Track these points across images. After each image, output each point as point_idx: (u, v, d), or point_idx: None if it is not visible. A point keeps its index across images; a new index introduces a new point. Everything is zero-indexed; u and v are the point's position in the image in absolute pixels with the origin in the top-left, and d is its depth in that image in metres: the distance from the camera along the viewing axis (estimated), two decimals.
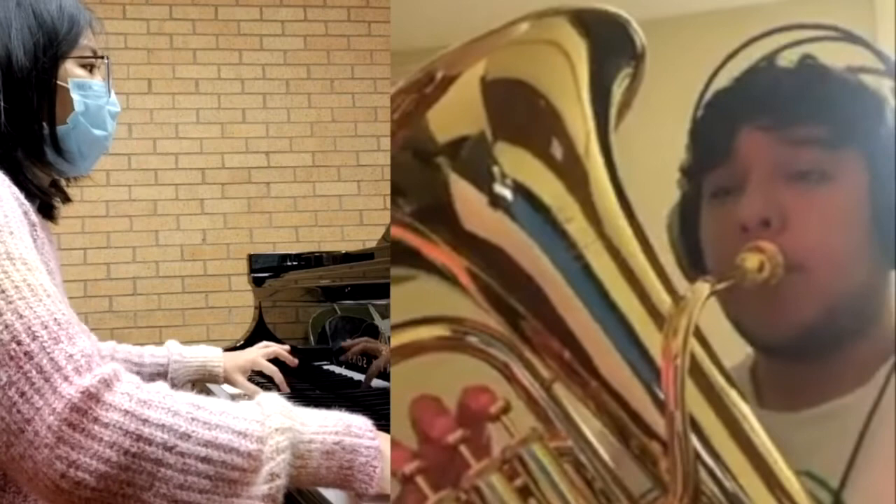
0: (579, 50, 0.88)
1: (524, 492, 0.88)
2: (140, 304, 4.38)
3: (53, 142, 1.27)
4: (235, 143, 4.60)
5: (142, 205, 4.45)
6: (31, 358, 0.92)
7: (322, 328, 2.55)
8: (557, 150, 0.87)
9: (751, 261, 0.91)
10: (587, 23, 0.89)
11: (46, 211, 1.35)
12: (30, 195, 1.20)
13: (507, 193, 0.86)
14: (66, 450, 0.89)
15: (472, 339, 0.92)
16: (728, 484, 0.84)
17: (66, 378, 0.91)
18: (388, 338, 1.91)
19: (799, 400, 0.98)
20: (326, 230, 4.67)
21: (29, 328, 0.94)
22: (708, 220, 1.01)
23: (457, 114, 0.86)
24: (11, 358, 0.92)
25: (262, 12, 4.69)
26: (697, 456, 0.84)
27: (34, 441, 0.90)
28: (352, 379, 2.16)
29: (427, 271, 0.91)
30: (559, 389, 0.91)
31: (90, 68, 1.32)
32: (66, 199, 1.40)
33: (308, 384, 2.20)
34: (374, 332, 2.08)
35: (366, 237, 4.52)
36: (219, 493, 0.92)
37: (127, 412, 0.91)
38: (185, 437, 0.92)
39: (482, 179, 0.86)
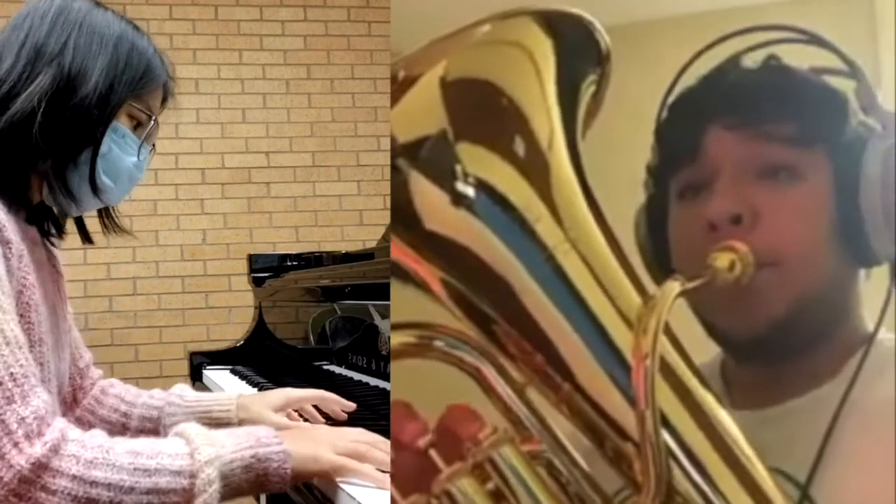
0: (544, 50, 0.88)
1: (496, 495, 0.87)
2: (140, 304, 4.38)
3: (91, 171, 1.23)
4: (235, 143, 4.60)
5: (142, 205, 4.45)
6: None
7: (322, 328, 2.55)
8: (521, 149, 0.86)
9: (721, 260, 0.91)
10: (552, 23, 0.89)
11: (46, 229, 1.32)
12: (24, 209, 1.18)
13: (470, 191, 0.86)
14: None
15: (440, 344, 0.92)
16: (702, 482, 0.84)
17: (15, 444, 0.93)
18: (388, 338, 1.92)
19: (768, 397, 0.98)
20: (326, 230, 4.67)
21: None
22: (676, 220, 1.01)
23: (417, 114, 0.86)
24: None
25: (262, 12, 4.69)
26: (671, 454, 0.83)
27: None
28: (352, 379, 2.16)
29: (400, 278, 0.91)
30: (532, 393, 0.91)
31: (136, 124, 1.29)
32: (59, 233, 1.35)
33: (308, 384, 2.20)
34: (375, 332, 2.08)
35: (366, 237, 4.52)
36: None
37: (74, 477, 0.94)
38: (129, 490, 0.97)
39: (443, 178, 0.85)
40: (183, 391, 1.55)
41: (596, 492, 0.89)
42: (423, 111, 0.86)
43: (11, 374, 0.96)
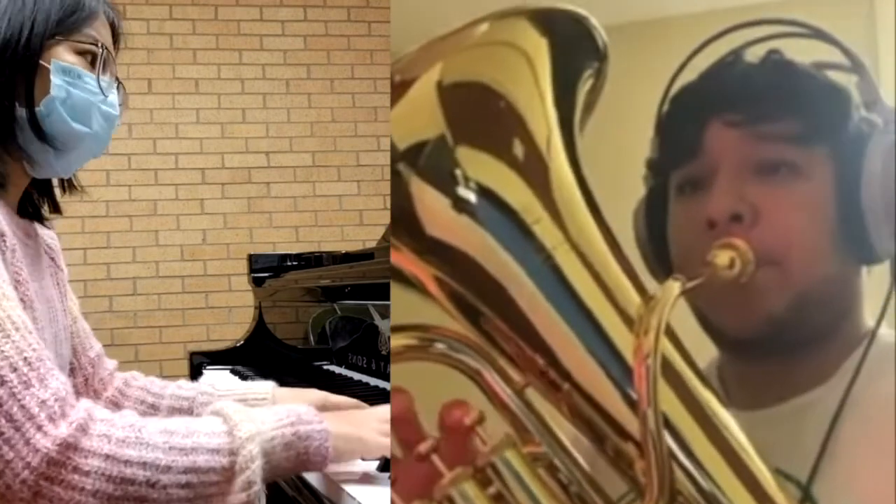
0: (539, 49, 0.87)
1: (498, 499, 0.87)
2: (140, 304, 4.39)
3: (32, 124, 1.15)
4: (235, 143, 4.60)
5: (142, 205, 4.45)
6: (0, 406, 0.91)
7: (322, 328, 2.55)
8: (520, 151, 0.86)
9: (721, 257, 0.90)
10: (546, 22, 0.88)
11: (31, 212, 1.27)
12: None
13: (471, 196, 0.85)
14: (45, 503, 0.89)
15: (440, 347, 0.91)
16: (704, 482, 0.83)
17: (39, 427, 0.90)
18: (388, 338, 1.92)
19: (767, 397, 0.97)
20: (326, 230, 4.67)
21: None
22: (674, 215, 1.00)
23: (414, 119, 0.85)
24: None
25: (262, 12, 4.69)
26: (672, 455, 0.83)
27: (6, 494, 0.89)
28: (352, 379, 2.16)
29: (398, 281, 0.91)
30: (532, 394, 0.90)
31: (91, 60, 1.20)
32: (56, 210, 1.31)
33: (308, 384, 2.20)
34: (374, 332, 2.08)
35: (366, 237, 4.52)
36: None
37: (107, 456, 0.91)
38: (166, 469, 0.93)
39: (444, 183, 0.85)
40: (213, 383, 1.51)
41: (597, 493, 0.89)
42: (421, 116, 0.85)
43: (25, 358, 0.93)
